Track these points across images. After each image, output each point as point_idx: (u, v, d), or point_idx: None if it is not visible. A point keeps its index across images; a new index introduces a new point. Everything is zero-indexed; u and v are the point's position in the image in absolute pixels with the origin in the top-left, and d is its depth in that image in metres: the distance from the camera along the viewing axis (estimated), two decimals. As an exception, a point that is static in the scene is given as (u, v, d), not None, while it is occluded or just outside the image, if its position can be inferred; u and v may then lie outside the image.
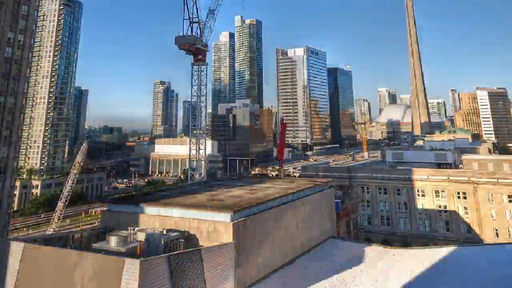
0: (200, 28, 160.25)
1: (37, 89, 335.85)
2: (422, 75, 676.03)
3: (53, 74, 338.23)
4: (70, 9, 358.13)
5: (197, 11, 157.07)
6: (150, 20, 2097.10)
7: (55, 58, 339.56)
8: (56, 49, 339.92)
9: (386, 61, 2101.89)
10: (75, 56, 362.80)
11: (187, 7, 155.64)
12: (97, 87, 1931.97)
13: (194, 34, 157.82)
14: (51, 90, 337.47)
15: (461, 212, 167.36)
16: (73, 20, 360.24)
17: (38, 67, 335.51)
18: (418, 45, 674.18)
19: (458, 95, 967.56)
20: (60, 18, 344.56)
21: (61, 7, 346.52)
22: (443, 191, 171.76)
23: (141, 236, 58.95)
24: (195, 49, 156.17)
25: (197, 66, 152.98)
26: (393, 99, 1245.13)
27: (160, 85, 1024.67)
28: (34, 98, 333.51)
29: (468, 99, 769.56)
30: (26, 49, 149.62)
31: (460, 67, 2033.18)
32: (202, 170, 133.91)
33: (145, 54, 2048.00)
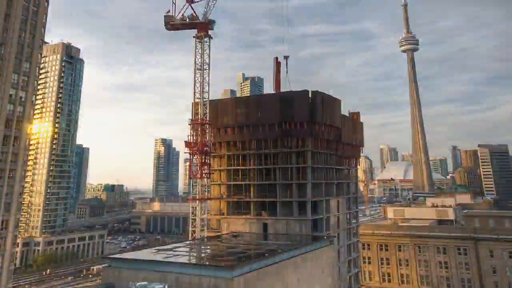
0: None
1: (38, 146, 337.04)
2: (424, 134, 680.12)
3: (55, 131, 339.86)
4: (71, 66, 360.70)
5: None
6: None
7: (57, 115, 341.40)
8: (58, 106, 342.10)
9: (387, 117, 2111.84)
10: (76, 115, 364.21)
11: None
12: (99, 144, 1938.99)
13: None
14: (53, 147, 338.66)
15: (462, 268, 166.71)
16: (74, 77, 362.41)
17: (40, 123, 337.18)
18: (419, 106, 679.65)
19: (459, 152, 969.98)
20: (61, 75, 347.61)
21: (63, 64, 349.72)
22: (444, 247, 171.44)
23: (142, 292, 58.90)
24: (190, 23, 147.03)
25: (199, 42, 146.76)
26: (394, 155, 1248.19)
27: (161, 143, 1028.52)
28: (36, 155, 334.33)
29: (469, 156, 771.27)
30: (28, 106, 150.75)
31: (461, 125, 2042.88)
32: (204, 227, 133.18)
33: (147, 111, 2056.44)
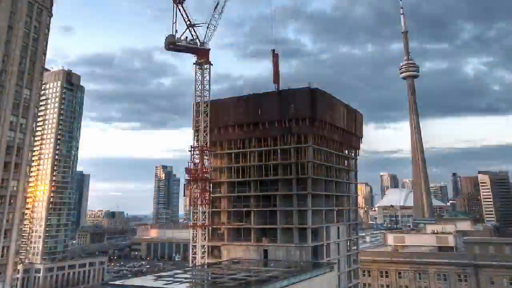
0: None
1: (39, 173, 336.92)
2: (424, 161, 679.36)
3: (56, 158, 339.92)
4: (72, 93, 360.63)
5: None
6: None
7: (58, 142, 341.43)
8: (58, 133, 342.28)
9: (388, 144, 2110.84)
10: (76, 142, 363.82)
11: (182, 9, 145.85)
12: (100, 170, 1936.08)
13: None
14: (54, 174, 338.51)
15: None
16: (75, 104, 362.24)
17: (40, 150, 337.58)
18: (419, 133, 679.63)
19: (459, 178, 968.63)
20: (62, 102, 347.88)
21: (63, 91, 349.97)
22: (445, 274, 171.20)
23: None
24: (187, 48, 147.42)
25: (199, 69, 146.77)
26: (394, 181, 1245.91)
27: (162, 170, 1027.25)
28: (37, 182, 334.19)
29: (469, 183, 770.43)
30: (28, 133, 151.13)
31: (461, 151, 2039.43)
32: (205, 253, 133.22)
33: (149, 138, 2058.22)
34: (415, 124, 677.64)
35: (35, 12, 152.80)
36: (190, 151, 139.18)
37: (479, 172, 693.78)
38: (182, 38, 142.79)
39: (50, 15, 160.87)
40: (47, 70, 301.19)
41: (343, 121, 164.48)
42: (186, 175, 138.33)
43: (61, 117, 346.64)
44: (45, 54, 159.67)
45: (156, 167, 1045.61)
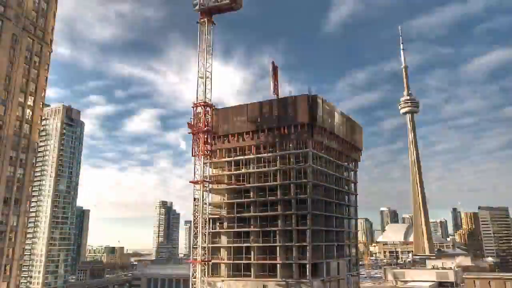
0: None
1: (40, 208, 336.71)
2: (424, 196, 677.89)
3: (56, 193, 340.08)
4: (72, 128, 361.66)
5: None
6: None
7: (58, 178, 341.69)
8: (58, 168, 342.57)
9: (387, 180, 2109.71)
10: (76, 177, 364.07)
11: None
12: (100, 205, 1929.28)
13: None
14: (54, 210, 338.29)
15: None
16: (74, 139, 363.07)
17: (41, 186, 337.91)
18: (419, 168, 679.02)
19: (460, 213, 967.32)
20: (62, 137, 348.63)
21: (63, 127, 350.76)
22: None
23: None
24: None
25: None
26: (394, 216, 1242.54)
27: (162, 206, 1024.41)
28: (37, 217, 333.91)
29: (469, 218, 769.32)
30: (28, 168, 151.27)
31: (462, 186, 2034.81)
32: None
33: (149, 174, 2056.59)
34: (415, 158, 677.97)
35: (35, 47, 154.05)
36: (193, 107, 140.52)
37: (479, 208, 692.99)
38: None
39: (50, 51, 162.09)
40: (47, 105, 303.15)
41: (343, 129, 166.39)
42: (189, 129, 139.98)
43: (61, 153, 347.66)
44: (45, 90, 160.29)
45: (156, 202, 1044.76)
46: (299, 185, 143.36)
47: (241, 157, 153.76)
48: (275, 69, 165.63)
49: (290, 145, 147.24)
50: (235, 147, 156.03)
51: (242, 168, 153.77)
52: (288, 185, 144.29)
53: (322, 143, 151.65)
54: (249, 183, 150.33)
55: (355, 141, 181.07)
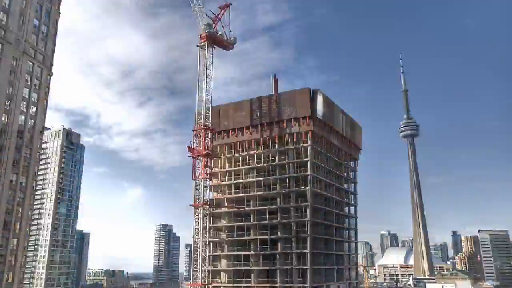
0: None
1: (39, 232, 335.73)
2: (424, 219, 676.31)
3: (56, 217, 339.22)
4: (72, 152, 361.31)
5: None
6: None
7: (58, 201, 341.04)
8: (58, 192, 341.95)
9: (387, 203, 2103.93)
10: (76, 200, 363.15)
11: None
12: (100, 228, 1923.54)
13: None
14: (54, 233, 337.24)
15: None
16: (75, 163, 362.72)
17: (41, 209, 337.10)
18: (419, 191, 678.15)
19: (460, 237, 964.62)
20: (62, 161, 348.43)
21: (64, 150, 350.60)
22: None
23: None
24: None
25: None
26: (394, 240, 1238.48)
27: (162, 229, 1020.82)
28: (37, 241, 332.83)
29: (469, 241, 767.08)
30: (28, 192, 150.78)
31: (461, 209, 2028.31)
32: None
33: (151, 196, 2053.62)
34: (415, 181, 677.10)
35: (35, 71, 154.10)
36: (193, 130, 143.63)
37: (480, 231, 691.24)
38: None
39: (51, 74, 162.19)
40: (47, 128, 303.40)
41: (342, 125, 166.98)
42: (189, 153, 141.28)
43: (61, 176, 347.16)
44: (45, 114, 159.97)
45: (156, 225, 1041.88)
46: (299, 208, 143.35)
47: (242, 180, 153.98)
48: (275, 82, 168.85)
49: (289, 140, 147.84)
50: (235, 142, 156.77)
51: (242, 191, 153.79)
52: (288, 208, 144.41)
53: (322, 137, 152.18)
54: (249, 207, 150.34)
55: (355, 139, 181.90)
